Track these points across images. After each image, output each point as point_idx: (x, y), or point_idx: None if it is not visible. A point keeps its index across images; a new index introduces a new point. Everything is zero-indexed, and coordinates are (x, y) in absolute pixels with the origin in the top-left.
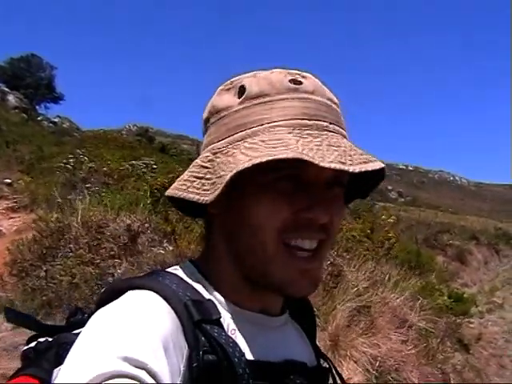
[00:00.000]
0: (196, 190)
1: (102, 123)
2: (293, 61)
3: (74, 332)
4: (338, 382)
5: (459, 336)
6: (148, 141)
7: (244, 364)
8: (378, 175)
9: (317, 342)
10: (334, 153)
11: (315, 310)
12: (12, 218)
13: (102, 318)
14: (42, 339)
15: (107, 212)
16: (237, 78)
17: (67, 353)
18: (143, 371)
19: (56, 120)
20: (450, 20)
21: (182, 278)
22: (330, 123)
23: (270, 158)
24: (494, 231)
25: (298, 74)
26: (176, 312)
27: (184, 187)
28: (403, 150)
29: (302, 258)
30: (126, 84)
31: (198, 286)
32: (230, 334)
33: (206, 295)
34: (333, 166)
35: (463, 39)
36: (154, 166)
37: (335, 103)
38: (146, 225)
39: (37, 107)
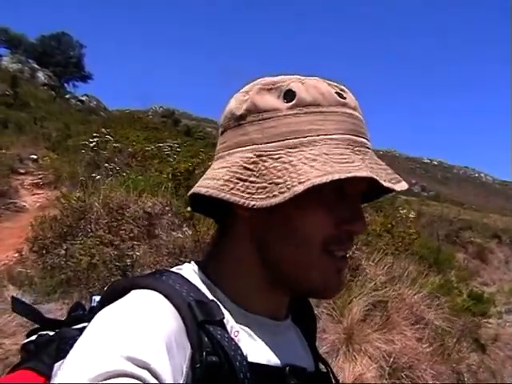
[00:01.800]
0: (240, 193)
1: (128, 103)
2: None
3: (75, 327)
4: None
5: (476, 336)
6: (173, 123)
7: (245, 368)
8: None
9: (323, 336)
10: (382, 172)
11: (331, 302)
12: (36, 194)
13: (106, 317)
14: (42, 333)
15: (129, 193)
16: (279, 79)
17: (68, 347)
18: (146, 371)
19: (83, 99)
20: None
21: (185, 278)
22: (368, 140)
23: (349, 175)
24: None
25: (337, 87)
26: (179, 312)
27: (227, 188)
28: (429, 143)
29: (339, 258)
30: (153, 65)
31: (202, 287)
32: (233, 335)
33: (210, 296)
34: (388, 185)
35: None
36: (178, 149)
37: (364, 118)
38: (167, 208)
39: (65, 85)
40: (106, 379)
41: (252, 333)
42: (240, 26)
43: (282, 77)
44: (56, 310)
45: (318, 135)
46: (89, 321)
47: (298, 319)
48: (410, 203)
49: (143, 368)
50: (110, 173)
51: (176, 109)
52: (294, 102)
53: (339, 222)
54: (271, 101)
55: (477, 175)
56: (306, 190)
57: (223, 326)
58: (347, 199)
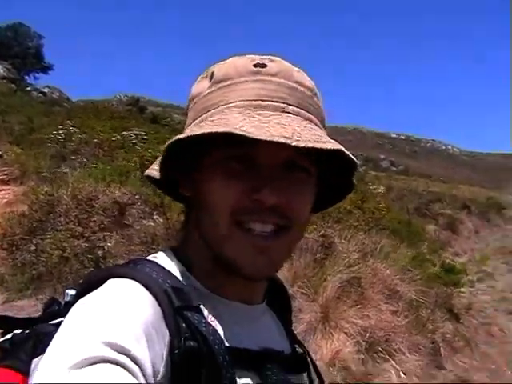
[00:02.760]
0: (156, 167)
1: (91, 93)
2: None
3: (51, 323)
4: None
5: (449, 306)
6: (139, 111)
7: (224, 352)
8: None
9: (299, 317)
10: (279, 129)
11: (306, 281)
12: (2, 190)
13: (85, 306)
14: (18, 331)
15: (97, 184)
16: (214, 64)
17: (45, 343)
18: (126, 357)
19: (45, 90)
20: None
21: (161, 266)
22: (290, 105)
23: (198, 132)
24: (486, 200)
25: (267, 59)
26: (157, 299)
27: (152, 169)
28: (395, 118)
29: (258, 236)
30: (115, 54)
31: (178, 274)
32: (209, 321)
33: (186, 282)
34: (271, 138)
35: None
36: (145, 137)
37: (305, 87)
38: (137, 197)
39: (25, 77)
40: (86, 365)
41: (227, 318)
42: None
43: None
44: (29, 306)
45: (219, 106)
46: (65, 315)
47: (273, 303)
48: (379, 178)
49: (123, 354)
50: (78, 165)
51: (141, 96)
52: (211, 81)
53: (248, 192)
54: (201, 86)
55: (444, 147)
56: (166, 150)
57: (200, 312)
58: (260, 169)
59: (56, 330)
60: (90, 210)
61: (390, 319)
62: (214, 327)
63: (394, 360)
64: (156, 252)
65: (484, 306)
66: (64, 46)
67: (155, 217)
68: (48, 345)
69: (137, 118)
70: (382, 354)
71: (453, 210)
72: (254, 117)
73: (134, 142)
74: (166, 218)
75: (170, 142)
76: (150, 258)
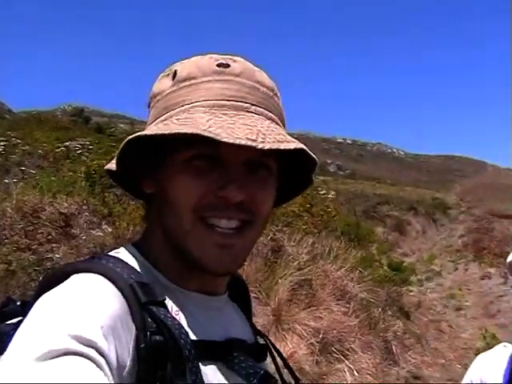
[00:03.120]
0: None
1: (34, 104)
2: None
3: (8, 323)
4: (278, 360)
5: (400, 304)
6: (84, 121)
7: (190, 346)
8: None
9: (253, 320)
10: (245, 131)
11: (257, 285)
12: None
13: (50, 299)
14: None
15: (43, 196)
16: (176, 63)
17: (3, 343)
18: (93, 349)
19: None
20: None
21: (124, 261)
22: (253, 105)
23: (166, 132)
24: (431, 201)
25: (230, 59)
26: (123, 294)
27: (111, 163)
28: (341, 123)
29: (221, 233)
30: (59, 62)
31: (141, 268)
32: (173, 314)
33: (149, 276)
34: (238, 141)
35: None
36: (90, 147)
37: (266, 87)
38: (84, 207)
39: None
40: (52, 357)
41: (191, 310)
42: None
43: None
44: None
45: (183, 105)
46: (24, 315)
47: (233, 296)
48: (327, 183)
49: (89, 347)
50: (22, 176)
51: (85, 106)
52: (174, 80)
53: (213, 189)
54: (163, 84)
55: (390, 150)
56: (126, 150)
57: (165, 307)
58: (224, 167)
59: (14, 330)
60: (36, 221)
61: (342, 319)
62: (179, 321)
63: (347, 359)
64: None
65: (433, 304)
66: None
67: (104, 226)
68: (7, 345)
69: (82, 128)
70: (335, 355)
71: (400, 212)
72: (219, 117)
73: (79, 152)
74: (114, 228)
75: (131, 137)
76: (112, 253)
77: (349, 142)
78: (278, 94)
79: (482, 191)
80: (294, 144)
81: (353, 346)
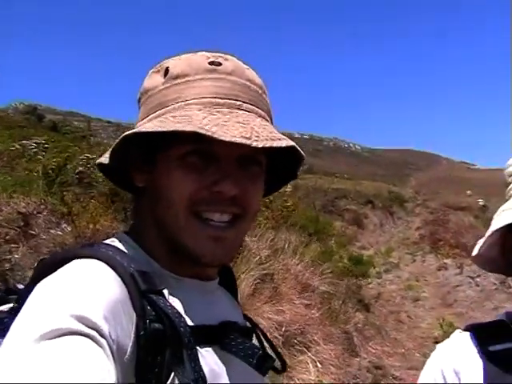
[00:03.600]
0: (107, 155)
1: None
2: None
3: None
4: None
5: (359, 296)
6: (37, 119)
7: (189, 333)
8: (299, 160)
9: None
10: (239, 128)
11: None
12: None
13: (53, 282)
14: None
15: None
16: (166, 60)
17: None
18: (95, 332)
19: None
20: None
21: (121, 250)
22: (244, 102)
23: (164, 129)
24: (388, 195)
25: (221, 57)
26: (123, 281)
27: (103, 157)
28: (298, 118)
29: (215, 226)
30: (9, 59)
31: (137, 257)
32: (170, 302)
33: (146, 265)
34: (233, 139)
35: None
36: (46, 146)
37: (256, 85)
38: (42, 206)
39: None
40: (57, 336)
41: (186, 296)
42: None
43: (172, 58)
44: None
45: (177, 102)
46: (10, 301)
47: (222, 283)
48: None
49: (93, 329)
50: None
51: (38, 104)
52: (166, 76)
53: (208, 185)
54: (155, 81)
55: (346, 145)
56: (121, 145)
57: (163, 295)
58: (218, 163)
59: (7, 317)
60: None
61: (304, 312)
62: (177, 309)
63: (310, 351)
64: None
65: (392, 295)
66: None
67: (63, 225)
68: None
69: (36, 126)
70: (298, 347)
71: (357, 206)
72: (214, 114)
73: (34, 151)
74: (74, 227)
75: (129, 133)
76: (107, 241)
77: (306, 137)
78: (266, 92)
79: (436, 184)
80: (285, 142)
81: (315, 338)
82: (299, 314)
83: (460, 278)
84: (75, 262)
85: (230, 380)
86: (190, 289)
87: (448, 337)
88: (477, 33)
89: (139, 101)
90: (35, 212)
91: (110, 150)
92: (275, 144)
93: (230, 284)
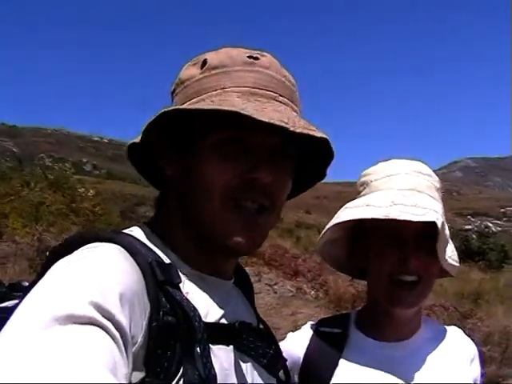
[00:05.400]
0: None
1: None
2: None
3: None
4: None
5: None
6: None
7: (203, 328)
8: (326, 161)
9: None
10: (277, 114)
11: None
12: None
13: (71, 263)
14: None
15: None
16: (203, 54)
17: None
18: (110, 323)
19: None
20: None
21: (139, 239)
22: (281, 95)
23: (204, 107)
24: None
25: (258, 53)
26: (141, 269)
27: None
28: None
29: (248, 213)
30: None
31: (155, 248)
32: (186, 296)
33: (164, 257)
34: (272, 121)
35: None
36: None
37: (290, 82)
38: None
39: None
40: (71, 323)
41: (202, 292)
42: None
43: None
44: None
45: (216, 90)
46: (13, 298)
47: (237, 283)
48: (83, 182)
49: (108, 319)
50: None
51: None
52: (205, 67)
53: (242, 172)
54: (191, 72)
55: None
56: (156, 122)
57: (179, 288)
58: (252, 151)
59: (10, 314)
60: None
61: None
62: (193, 304)
63: None
64: None
65: None
66: None
67: None
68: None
69: None
70: None
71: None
72: (252, 102)
73: None
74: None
75: (169, 109)
76: (126, 231)
77: (105, 140)
78: (298, 91)
79: None
80: (321, 133)
81: None
82: None
83: (259, 285)
84: (96, 245)
85: (240, 379)
86: (207, 285)
87: None
88: None
89: (173, 92)
90: None
91: (146, 124)
92: (311, 132)
93: (245, 285)
